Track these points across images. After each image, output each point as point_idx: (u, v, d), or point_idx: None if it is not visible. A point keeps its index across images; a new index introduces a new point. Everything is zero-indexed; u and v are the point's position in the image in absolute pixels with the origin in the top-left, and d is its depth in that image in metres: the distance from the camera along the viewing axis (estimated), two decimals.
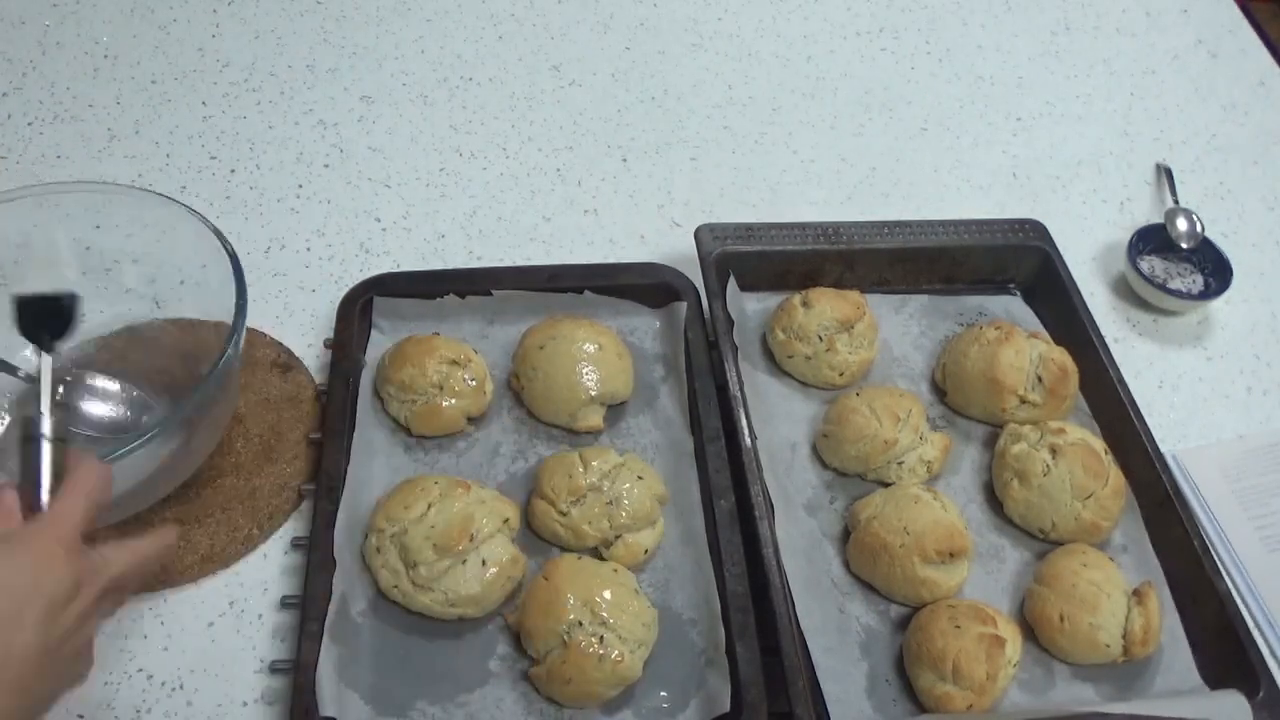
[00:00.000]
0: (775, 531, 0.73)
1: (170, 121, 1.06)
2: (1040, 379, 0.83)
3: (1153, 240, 1.01)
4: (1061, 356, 0.84)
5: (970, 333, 0.87)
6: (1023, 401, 0.83)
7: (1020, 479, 0.78)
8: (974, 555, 0.76)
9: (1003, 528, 0.80)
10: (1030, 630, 0.73)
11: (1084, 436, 0.79)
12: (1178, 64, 1.23)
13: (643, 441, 0.82)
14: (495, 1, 1.23)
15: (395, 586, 0.70)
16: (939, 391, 0.88)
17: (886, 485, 0.80)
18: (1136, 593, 0.72)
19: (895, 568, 0.73)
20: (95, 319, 0.78)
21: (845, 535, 0.77)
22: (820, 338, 0.84)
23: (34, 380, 0.64)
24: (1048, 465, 0.77)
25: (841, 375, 0.85)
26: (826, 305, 0.85)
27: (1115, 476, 0.78)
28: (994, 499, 0.81)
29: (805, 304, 0.85)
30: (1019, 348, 0.84)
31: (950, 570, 0.74)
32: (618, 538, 0.74)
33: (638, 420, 0.83)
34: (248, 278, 0.92)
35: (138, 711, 0.68)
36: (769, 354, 0.88)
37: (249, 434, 0.80)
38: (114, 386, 0.76)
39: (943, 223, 0.93)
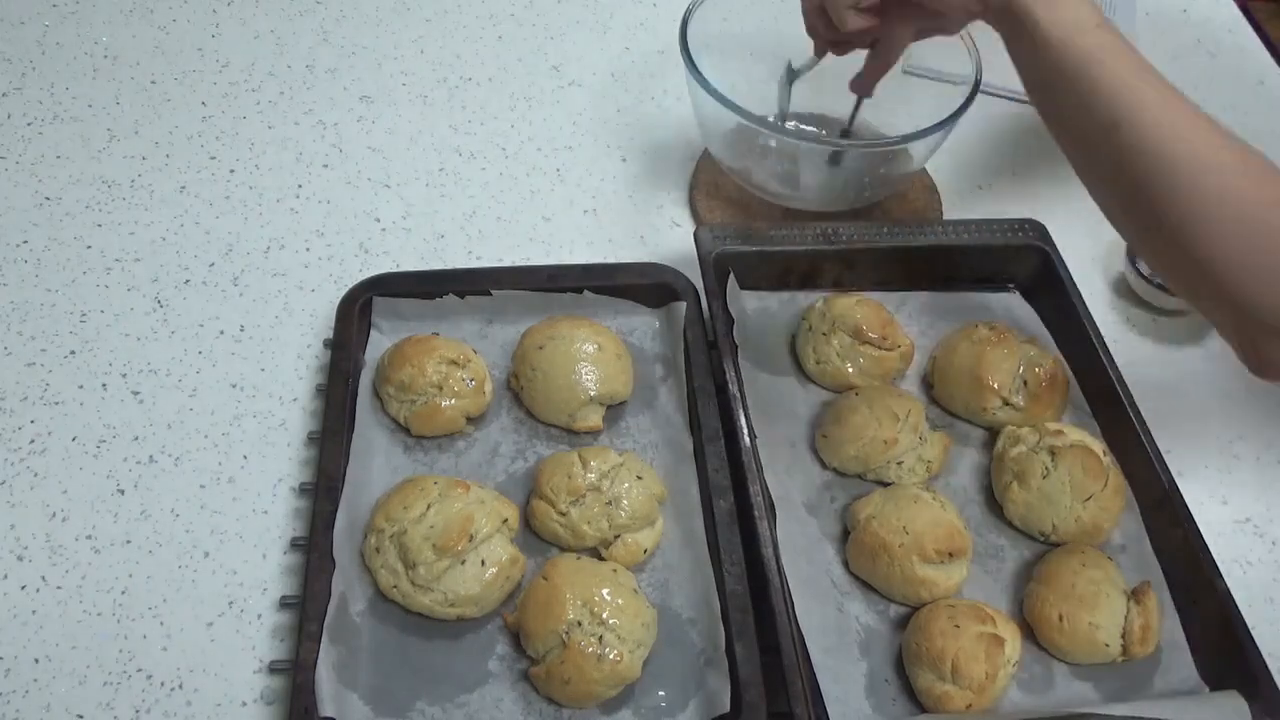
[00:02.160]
0: (775, 531, 0.73)
1: (170, 121, 1.06)
2: (1025, 383, 0.83)
3: None
4: (1052, 365, 0.84)
5: (965, 329, 0.87)
6: (1005, 403, 0.83)
7: (1020, 481, 0.78)
8: (973, 555, 0.76)
9: (1002, 527, 0.80)
10: (1030, 630, 0.73)
11: (1082, 437, 0.79)
12: (1177, 64, 1.22)
13: (642, 441, 0.82)
14: (495, 1, 1.23)
15: (395, 587, 0.70)
16: (927, 385, 0.88)
17: (886, 485, 0.80)
18: (1135, 592, 0.72)
19: (894, 567, 0.73)
20: None
21: (845, 535, 0.77)
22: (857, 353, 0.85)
23: None
24: (1047, 467, 0.77)
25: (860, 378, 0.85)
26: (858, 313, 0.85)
27: (1115, 477, 0.78)
28: (993, 498, 0.81)
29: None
30: (1010, 350, 0.83)
31: (949, 570, 0.74)
32: (617, 537, 0.74)
33: (637, 420, 0.83)
34: (247, 278, 0.93)
35: (137, 711, 0.69)
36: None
37: None
38: None
39: (942, 222, 0.92)
